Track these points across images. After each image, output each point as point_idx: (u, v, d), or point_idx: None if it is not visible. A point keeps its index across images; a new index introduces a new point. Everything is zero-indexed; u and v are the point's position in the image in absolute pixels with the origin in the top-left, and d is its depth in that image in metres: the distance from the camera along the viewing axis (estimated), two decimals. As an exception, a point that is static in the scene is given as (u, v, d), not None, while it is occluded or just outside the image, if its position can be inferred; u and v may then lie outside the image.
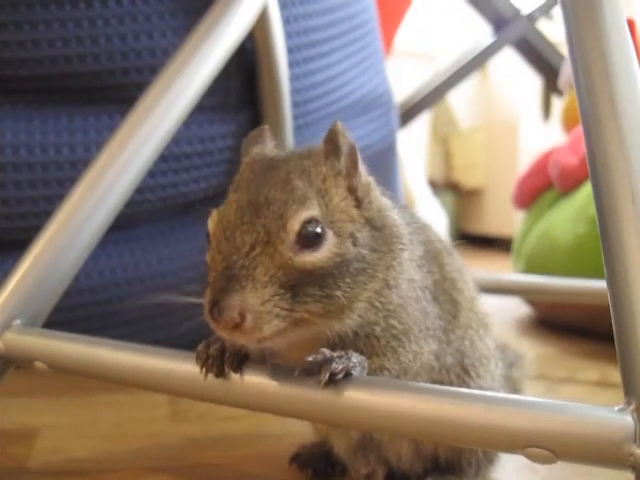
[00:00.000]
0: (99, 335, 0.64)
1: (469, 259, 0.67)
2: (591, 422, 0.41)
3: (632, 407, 0.41)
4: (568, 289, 1.13)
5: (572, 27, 0.55)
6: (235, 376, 0.52)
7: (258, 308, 0.45)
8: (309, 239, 0.48)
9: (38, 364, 0.62)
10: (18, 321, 0.65)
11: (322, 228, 0.48)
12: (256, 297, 0.45)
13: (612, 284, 0.45)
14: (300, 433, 0.73)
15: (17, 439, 0.78)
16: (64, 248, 0.68)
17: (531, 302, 1.60)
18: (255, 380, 0.51)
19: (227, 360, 0.52)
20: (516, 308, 1.69)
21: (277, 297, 0.46)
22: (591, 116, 0.52)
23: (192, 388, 0.54)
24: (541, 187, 1.62)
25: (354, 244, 0.50)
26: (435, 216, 2.81)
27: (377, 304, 0.52)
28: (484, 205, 3.91)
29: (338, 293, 0.48)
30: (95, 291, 1.01)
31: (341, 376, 0.48)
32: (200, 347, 0.54)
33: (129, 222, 1.03)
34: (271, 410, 0.51)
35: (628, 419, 0.40)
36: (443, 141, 4.16)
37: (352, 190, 0.53)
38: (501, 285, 1.22)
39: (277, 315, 0.46)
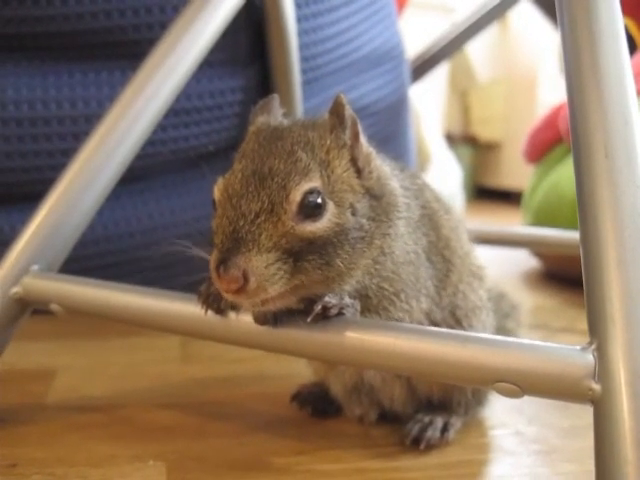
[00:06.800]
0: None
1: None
2: (555, 359, 0.44)
3: (594, 346, 0.44)
4: (573, 241, 1.14)
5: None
6: (232, 314, 0.56)
7: (262, 271, 0.47)
8: (310, 209, 0.50)
9: (53, 306, 0.66)
10: (35, 266, 0.69)
11: (323, 199, 0.51)
12: (260, 260, 0.48)
13: (583, 232, 0.48)
14: (302, 374, 0.76)
15: (36, 378, 0.82)
16: (78, 198, 0.72)
17: (539, 255, 1.62)
18: (249, 318, 0.54)
19: (225, 298, 0.53)
20: (525, 261, 1.72)
21: (280, 262, 0.48)
22: (573, 71, 0.54)
23: (195, 326, 0.58)
24: (551, 141, 1.62)
25: (353, 214, 0.53)
26: (450, 170, 2.81)
27: (372, 270, 0.55)
28: (502, 158, 3.90)
29: (337, 261, 0.51)
30: (110, 241, 1.05)
31: (334, 312, 0.51)
32: (202, 287, 0.57)
33: (143, 174, 1.06)
34: (264, 347, 0.55)
35: (589, 357, 0.43)
36: (461, 94, 4.12)
37: (354, 161, 0.55)
38: (507, 237, 1.24)
39: (280, 278, 0.48)
